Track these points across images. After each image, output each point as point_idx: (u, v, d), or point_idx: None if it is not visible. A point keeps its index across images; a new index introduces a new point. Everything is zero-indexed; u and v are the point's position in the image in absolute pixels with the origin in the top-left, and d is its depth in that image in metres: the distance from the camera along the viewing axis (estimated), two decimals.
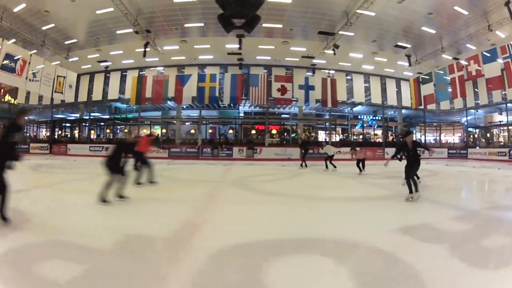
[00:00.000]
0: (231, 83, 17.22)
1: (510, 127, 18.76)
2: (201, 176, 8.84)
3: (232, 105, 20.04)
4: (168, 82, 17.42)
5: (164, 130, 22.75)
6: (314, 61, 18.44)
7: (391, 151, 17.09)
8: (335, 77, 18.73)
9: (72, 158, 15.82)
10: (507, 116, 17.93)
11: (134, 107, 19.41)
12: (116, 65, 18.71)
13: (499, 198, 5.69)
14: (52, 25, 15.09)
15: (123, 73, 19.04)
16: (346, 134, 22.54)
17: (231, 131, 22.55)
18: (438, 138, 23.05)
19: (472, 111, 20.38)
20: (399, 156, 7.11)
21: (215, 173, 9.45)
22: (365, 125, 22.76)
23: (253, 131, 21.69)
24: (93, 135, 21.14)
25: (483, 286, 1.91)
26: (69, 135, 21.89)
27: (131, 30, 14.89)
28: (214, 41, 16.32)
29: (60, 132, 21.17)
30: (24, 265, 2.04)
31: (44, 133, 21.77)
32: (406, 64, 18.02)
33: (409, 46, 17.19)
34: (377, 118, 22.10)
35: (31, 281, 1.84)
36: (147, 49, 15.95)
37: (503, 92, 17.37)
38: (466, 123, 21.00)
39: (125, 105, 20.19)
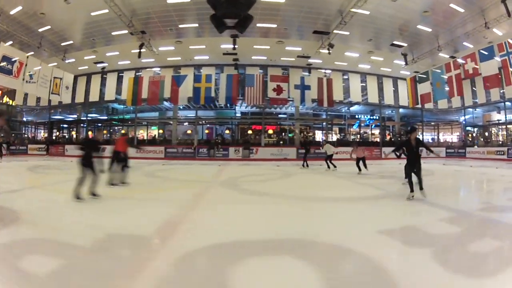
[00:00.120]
0: (226, 83, 17.28)
1: (508, 126, 18.60)
2: (193, 176, 8.86)
3: (228, 105, 20.08)
4: (164, 83, 17.52)
5: (161, 131, 22.85)
6: (310, 60, 18.44)
7: (388, 150, 17.04)
8: (332, 77, 18.72)
9: (69, 159, 15.94)
10: (505, 114, 17.79)
11: (131, 108, 19.50)
12: (113, 66, 18.85)
13: (494, 199, 5.56)
14: (48, 27, 15.26)
15: (120, 74, 19.18)
16: (343, 134, 22.49)
17: (227, 131, 22.59)
18: (436, 137, 22.92)
19: (470, 110, 20.24)
20: (398, 153, 7.12)
21: (208, 173, 9.48)
22: (362, 124, 22.69)
23: (250, 131, 21.69)
24: (91, 136, 21.29)
25: None
26: (67, 136, 22.06)
27: (126, 31, 14.99)
28: (209, 41, 16.39)
29: (58, 133, 21.36)
30: (7, 260, 2.17)
31: (42, 134, 21.97)
32: (403, 63, 17.97)
33: (405, 45, 17.13)
34: (374, 117, 22.03)
35: (12, 274, 1.96)
36: (142, 50, 16.06)
37: (501, 91, 17.25)
38: (464, 122, 20.85)
39: (122, 106, 20.33)
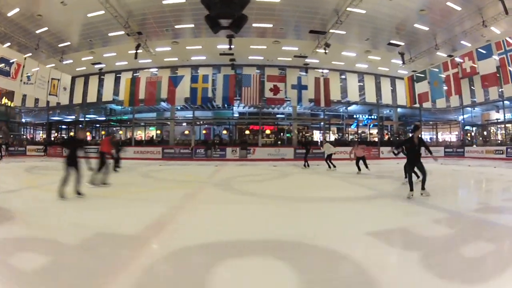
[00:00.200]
0: (223, 83, 17.34)
1: (507, 125, 18.52)
2: (188, 176, 8.89)
3: (226, 105, 20.15)
4: (161, 83, 17.62)
5: (158, 131, 22.95)
6: (307, 60, 18.47)
7: (386, 150, 17.03)
8: (329, 77, 18.73)
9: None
10: (504, 113, 17.71)
11: (129, 109, 19.62)
12: (110, 67, 18.97)
13: (490, 199, 5.38)
14: (45, 28, 15.39)
15: (117, 75, 19.30)
16: (340, 134, 22.49)
17: (225, 131, 22.66)
18: (434, 136, 22.85)
19: (469, 109, 20.16)
20: (395, 151, 7.11)
21: (204, 173, 9.50)
22: (360, 124, 22.68)
23: (247, 132, 21.74)
24: (89, 137, 21.42)
25: None
26: (65, 137, 22.22)
27: (122, 32, 15.09)
28: (206, 42, 16.46)
29: (56, 134, 21.52)
30: None
31: (40, 135, 22.13)
32: (400, 62, 17.97)
33: (402, 44, 17.11)
34: (372, 117, 22.02)
35: (2, 270, 2.06)
36: (139, 51, 16.16)
37: (500, 90, 17.18)
38: (462, 121, 20.78)
39: (120, 107, 20.44)
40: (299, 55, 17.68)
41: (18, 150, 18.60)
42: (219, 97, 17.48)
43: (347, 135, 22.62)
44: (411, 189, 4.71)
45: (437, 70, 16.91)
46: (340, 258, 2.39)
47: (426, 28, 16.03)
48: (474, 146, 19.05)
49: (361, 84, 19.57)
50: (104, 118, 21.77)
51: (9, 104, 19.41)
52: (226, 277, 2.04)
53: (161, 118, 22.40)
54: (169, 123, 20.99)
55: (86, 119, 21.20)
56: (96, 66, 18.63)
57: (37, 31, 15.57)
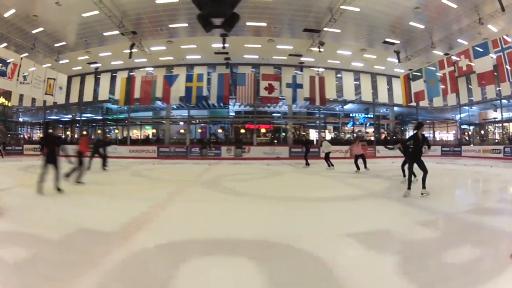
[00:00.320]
0: (218, 82, 17.51)
1: (504, 124, 18.48)
2: (179, 175, 9.00)
3: (221, 104, 20.32)
4: (156, 83, 17.84)
5: (154, 130, 23.19)
6: (302, 59, 18.58)
7: (382, 148, 17.08)
8: (324, 75, 18.84)
9: (63, 159, 16.34)
10: (501, 112, 17.67)
11: (125, 108, 19.87)
12: (106, 66, 19.25)
13: (483, 200, 5.21)
14: (41, 28, 15.69)
15: (113, 74, 19.59)
16: (336, 133, 22.56)
17: (220, 130, 22.83)
18: (431, 135, 22.82)
19: (466, 108, 20.13)
20: (390, 147, 7.18)
21: (195, 172, 9.57)
22: (356, 123, 22.74)
23: (243, 130, 21.89)
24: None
25: None
26: (63, 136, 22.55)
27: (117, 32, 15.31)
28: (200, 41, 16.65)
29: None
30: None
31: (38, 134, 22.49)
32: (396, 60, 17.96)
33: (398, 42, 17.17)
34: (368, 116, 22.06)
35: None
36: (134, 50, 16.40)
37: (497, 88, 17.15)
38: (459, 120, 20.76)
39: (116, 106, 20.71)
40: (294, 54, 17.80)
41: (16, 149, 18.92)
42: (214, 96, 17.66)
43: (343, 134, 22.70)
44: (409, 188, 4.70)
45: (433, 68, 16.94)
46: (310, 259, 2.31)
47: (422, 26, 16.07)
48: (471, 145, 19.02)
49: (357, 82, 19.64)
50: (100, 117, 22.06)
51: (6, 104, 19.77)
52: (190, 275, 2.07)
53: (157, 117, 22.64)
54: (164, 122, 21.21)
55: (83, 118, 21.50)
56: (92, 65, 18.91)
57: (33, 31, 15.87)
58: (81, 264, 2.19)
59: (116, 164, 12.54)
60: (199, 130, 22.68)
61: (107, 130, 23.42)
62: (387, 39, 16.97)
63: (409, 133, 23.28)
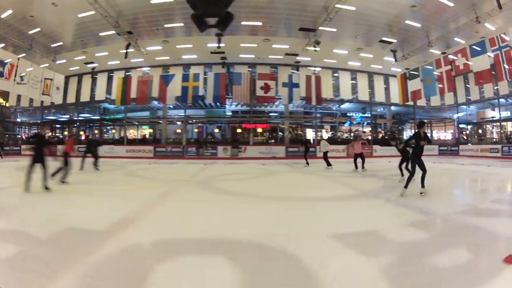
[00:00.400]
0: (214, 82, 17.65)
1: (502, 123, 18.48)
2: (173, 175, 9.10)
3: (218, 104, 20.47)
4: (152, 82, 18.01)
5: (151, 130, 23.38)
6: (299, 58, 18.68)
7: (379, 148, 17.18)
8: (321, 74, 18.93)
9: (60, 159, 16.53)
10: (499, 111, 17.68)
11: (122, 108, 20.07)
12: (103, 66, 19.45)
13: (477, 200, 5.14)
14: (38, 29, 15.88)
15: (110, 74, 19.79)
16: (333, 132, 22.64)
17: (217, 130, 22.98)
18: (429, 135, 22.87)
19: (464, 107, 20.16)
20: (394, 143, 7.23)
21: (190, 172, 9.66)
22: (353, 122, 22.81)
23: (239, 130, 22.02)
24: (83, 136, 21.94)
25: None
26: (60, 136, 22.79)
27: (113, 32, 15.48)
28: (196, 40, 16.79)
29: (50, 133, 22.10)
30: None
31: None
32: (393, 59, 18.01)
33: (394, 41, 17.22)
34: (365, 115, 22.13)
35: None
36: (130, 50, 16.58)
37: (495, 87, 17.16)
38: (457, 119, 20.78)
39: (113, 106, 20.91)
40: (290, 53, 17.90)
41: (13, 150, 19.15)
42: (210, 96, 17.80)
43: (341, 133, 22.79)
44: (406, 187, 4.74)
45: (430, 67, 16.98)
46: (294, 260, 2.29)
47: (418, 25, 16.11)
48: (469, 144, 19.04)
49: (354, 82, 19.71)
50: (98, 117, 22.28)
51: (4, 104, 20.02)
52: (167, 273, 2.12)
53: (154, 117, 22.83)
54: (161, 122, 21.39)
55: (80, 118, 21.73)
56: (89, 65, 19.12)
57: (30, 32, 16.08)
58: (66, 261, 2.28)
59: (112, 164, 12.69)
60: (196, 130, 22.84)
61: (104, 130, 23.65)
62: (383, 38, 17.03)
63: (406, 132, 23.35)
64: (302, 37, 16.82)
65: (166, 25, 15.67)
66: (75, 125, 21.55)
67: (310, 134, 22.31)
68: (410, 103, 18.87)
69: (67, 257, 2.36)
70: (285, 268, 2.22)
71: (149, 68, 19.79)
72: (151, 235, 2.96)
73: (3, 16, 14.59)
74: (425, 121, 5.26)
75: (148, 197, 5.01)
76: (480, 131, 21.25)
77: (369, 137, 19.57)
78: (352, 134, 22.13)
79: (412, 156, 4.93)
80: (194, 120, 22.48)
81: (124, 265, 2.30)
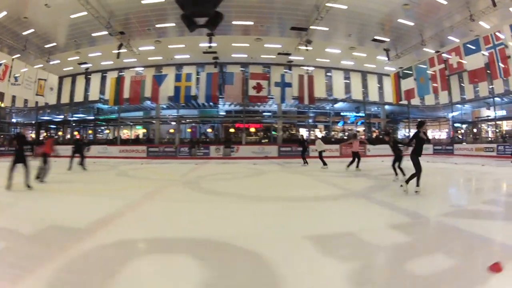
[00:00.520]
0: (206, 82, 17.89)
1: (498, 122, 18.50)
2: (164, 175, 9.22)
3: (211, 104, 20.71)
4: (145, 82, 18.30)
5: (144, 130, 23.68)
6: (291, 58, 18.89)
7: (372, 147, 17.25)
8: (314, 74, 19.11)
9: (53, 159, 16.84)
10: (495, 110, 17.71)
11: (116, 108, 20.38)
12: (96, 66, 19.82)
13: (467, 201, 5.03)
14: (32, 30, 16.27)
15: (104, 74, 20.16)
16: (327, 131, 22.78)
17: (209, 130, 23.22)
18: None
19: (459, 106, 20.21)
20: (387, 138, 7.31)
21: (179, 172, 9.79)
22: (347, 121, 22.93)
23: (232, 130, 22.23)
24: (78, 137, 22.29)
25: None
26: (55, 137, 23.17)
27: (106, 32, 15.81)
28: (188, 40, 17.08)
29: (45, 134, 22.48)
30: None
31: (30, 135, 23.14)
32: (386, 59, 18.13)
33: (387, 40, 17.37)
34: (359, 114, 22.24)
35: None
36: (123, 51, 16.91)
37: (490, 86, 17.18)
38: (452, 118, 20.84)
39: (107, 106, 21.26)
40: (283, 53, 18.11)
41: (8, 150, 19.52)
42: (202, 96, 18.04)
43: (336, 132, 22.93)
44: (407, 182, 4.88)
45: (423, 66, 17.06)
46: (257, 261, 2.28)
47: (411, 23, 16.25)
48: (464, 143, 19.07)
49: (347, 81, 19.86)
50: (92, 117, 22.64)
51: None
52: (134, 271, 2.17)
53: (147, 117, 23.14)
54: (154, 122, 21.68)
55: (75, 118, 22.10)
56: (83, 66, 19.51)
57: (24, 33, 16.50)
58: (45, 256, 2.40)
59: (105, 164, 12.94)
60: (189, 130, 23.10)
61: (99, 130, 23.99)
62: (376, 37, 17.19)
63: (401, 131, 23.42)
64: (294, 37, 17.04)
65: (157, 25, 15.99)
66: (73, 124, 21.93)
67: (303, 133, 22.46)
68: (404, 102, 18.97)
69: (45, 253, 2.47)
70: (250, 270, 2.18)
71: (142, 68, 20.13)
72: (129, 233, 3.03)
73: None
74: (424, 120, 5.33)
75: (134, 197, 5.09)
76: (475, 130, 21.29)
77: (363, 136, 19.63)
78: (346, 133, 22.24)
79: (412, 155, 5.02)
80: (187, 120, 22.74)
81: (97, 262, 2.36)
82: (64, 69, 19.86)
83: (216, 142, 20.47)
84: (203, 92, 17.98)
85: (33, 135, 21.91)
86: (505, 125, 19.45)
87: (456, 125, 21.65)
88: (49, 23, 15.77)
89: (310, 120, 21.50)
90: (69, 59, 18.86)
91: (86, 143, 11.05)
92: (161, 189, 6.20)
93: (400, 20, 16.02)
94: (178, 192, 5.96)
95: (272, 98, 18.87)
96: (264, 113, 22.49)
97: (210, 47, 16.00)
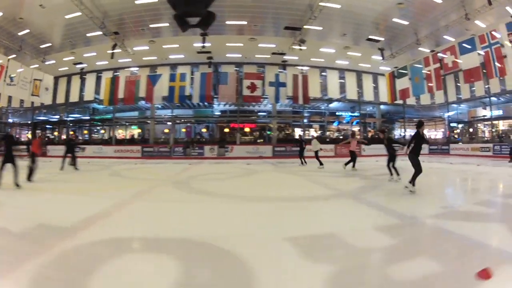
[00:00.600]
0: (200, 81, 18.06)
1: (494, 122, 18.50)
2: (154, 175, 9.32)
3: (206, 104, 20.88)
4: (140, 82, 18.49)
5: (140, 130, 23.88)
6: (286, 57, 19.03)
7: (366, 147, 17.31)
8: (308, 74, 19.21)
9: (48, 159, 17.03)
10: (491, 110, 17.73)
11: (111, 108, 20.60)
12: (92, 66, 20.09)
13: (459, 202, 4.96)
14: (27, 30, 16.53)
15: (99, 75, 20.40)
16: (321, 131, 22.87)
17: (204, 130, 23.37)
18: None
19: (455, 106, 20.24)
20: (381, 135, 7.32)
21: (172, 172, 9.93)
22: (343, 121, 23.02)
23: (227, 130, 22.37)
24: (70, 136, 22.53)
25: None
26: (51, 137, 23.44)
27: (100, 32, 16.03)
28: (182, 40, 17.27)
29: (41, 134, 22.72)
30: None
31: (26, 135, 23.44)
32: (381, 58, 18.20)
33: (382, 39, 17.47)
34: (354, 114, 22.32)
35: None
36: (118, 51, 17.13)
37: (486, 86, 17.20)
38: (448, 118, 20.86)
39: (102, 106, 21.49)
40: (277, 52, 18.24)
41: (0, 150, 19.78)
42: (196, 96, 18.20)
43: (332, 132, 23.03)
44: (412, 183, 4.92)
45: (419, 66, 17.11)
46: (234, 261, 2.29)
47: (406, 23, 16.34)
48: (460, 143, 19.09)
49: (342, 81, 19.97)
50: (88, 117, 22.89)
51: None
52: (112, 270, 2.21)
53: (142, 117, 23.34)
54: (149, 122, 21.87)
55: (70, 118, 22.35)
56: (78, 66, 19.74)
57: (20, 34, 16.78)
58: (30, 253, 2.51)
59: (99, 164, 13.13)
60: (183, 130, 23.27)
61: (95, 130, 24.23)
62: (371, 36, 17.30)
63: (396, 131, 23.45)
64: (288, 36, 17.19)
65: (151, 25, 16.20)
66: (70, 124, 22.16)
67: (300, 133, 22.59)
68: (400, 102, 19.02)
69: (31, 250, 2.57)
70: (226, 270, 2.19)
71: (137, 68, 20.36)
72: (112, 233, 3.08)
73: None
74: (423, 120, 5.43)
75: (123, 196, 5.17)
76: (471, 130, 21.30)
77: (359, 136, 19.71)
78: (342, 133, 22.33)
79: (411, 155, 5.12)
80: (182, 120, 22.92)
81: (77, 260, 2.44)
82: (60, 69, 20.13)
83: (211, 142, 20.61)
84: (197, 92, 18.15)
85: (29, 135, 22.22)
86: (502, 125, 19.45)
87: (452, 124, 21.70)
88: (44, 23, 16.04)
89: (305, 120, 21.61)
90: (64, 59, 19.13)
91: (77, 143, 11.21)
92: (150, 189, 6.27)
93: (394, 20, 16.12)
94: (166, 192, 6.03)
95: (266, 98, 19.00)
96: (259, 113, 22.63)
97: (203, 47, 16.18)
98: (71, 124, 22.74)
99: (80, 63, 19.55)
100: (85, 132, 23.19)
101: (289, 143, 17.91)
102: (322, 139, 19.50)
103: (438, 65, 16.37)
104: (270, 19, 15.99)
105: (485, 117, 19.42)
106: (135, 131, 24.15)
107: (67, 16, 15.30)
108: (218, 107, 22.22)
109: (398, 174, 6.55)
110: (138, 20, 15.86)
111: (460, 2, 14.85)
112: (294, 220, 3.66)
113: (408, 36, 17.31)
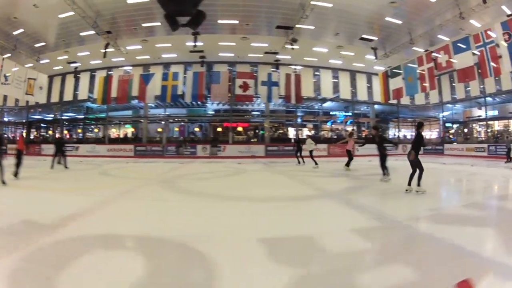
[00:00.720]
0: (193, 81, 18.31)
1: (489, 122, 18.50)
2: (143, 174, 9.52)
3: (199, 103, 21.13)
4: (133, 81, 18.80)
5: (133, 129, 24.18)
6: (279, 56, 19.23)
7: (360, 147, 17.39)
8: (302, 73, 19.38)
9: (43, 158, 17.36)
10: (486, 110, 17.73)
11: (105, 107, 20.93)
12: (86, 65, 20.48)
13: (447, 204, 4.85)
14: (22, 30, 16.93)
15: (93, 73, 20.78)
16: (315, 131, 22.99)
17: (197, 129, 23.61)
18: (413, 133, 22.98)
19: (450, 106, 20.26)
20: (374, 132, 7.45)
21: (160, 171, 10.15)
22: (336, 121, 23.13)
23: (220, 129, 22.59)
24: (68, 136, 22.94)
25: None
26: (46, 135, 23.86)
27: (93, 32, 16.35)
28: (175, 39, 17.56)
29: (36, 132, 23.18)
30: None
31: (22, 134, 23.90)
32: (375, 57, 18.31)
33: (375, 38, 17.59)
34: (348, 114, 22.42)
35: None
36: (111, 50, 17.44)
37: (481, 86, 17.24)
38: (442, 118, 20.88)
39: (96, 105, 21.85)
40: (270, 52, 18.43)
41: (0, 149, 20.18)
42: (189, 95, 18.45)
43: (325, 132, 23.15)
44: (419, 185, 4.94)
45: (413, 65, 17.20)
46: (203, 263, 2.29)
47: (399, 22, 16.44)
48: (455, 143, 19.11)
49: (336, 80, 20.10)
50: (82, 116, 23.27)
51: None
52: (85, 266, 2.28)
53: (135, 116, 23.68)
54: (142, 120, 22.17)
55: (65, 117, 22.74)
56: (72, 65, 20.13)
57: (14, 33, 17.19)
58: (11, 248, 2.62)
59: (90, 163, 13.41)
60: (176, 129, 23.55)
61: (90, 129, 24.60)
62: (364, 36, 17.41)
63: (391, 131, 23.48)
64: (281, 35, 17.38)
65: (144, 25, 16.51)
66: (65, 123, 22.52)
67: (294, 133, 22.74)
68: (394, 101, 19.10)
69: (12, 245, 2.67)
70: (196, 272, 2.17)
71: (130, 67, 20.72)
72: (90, 230, 3.18)
73: None
74: (423, 122, 5.56)
75: (107, 195, 5.28)
76: (466, 130, 21.31)
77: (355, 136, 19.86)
78: (335, 133, 22.44)
79: (416, 155, 5.30)
80: (175, 119, 23.20)
81: (54, 255, 2.52)
82: (54, 68, 20.56)
83: (204, 141, 20.84)
84: (189, 91, 18.40)
85: (24, 134, 22.63)
86: (497, 125, 19.45)
87: (447, 125, 21.72)
88: (38, 23, 16.43)
89: (299, 120, 21.75)
90: (58, 58, 19.54)
91: (66, 142, 11.49)
92: (136, 188, 6.36)
93: (387, 19, 16.25)
94: (153, 191, 6.15)
95: (258, 97, 19.19)
96: (253, 112, 22.83)
97: (195, 46, 16.42)
98: (65, 123, 23.13)
99: (74, 62, 19.94)
100: (79, 131, 23.58)
101: (284, 142, 18.06)
102: (315, 139, 19.69)
103: (432, 64, 16.45)
104: (262, 18, 16.21)
105: (480, 118, 19.45)
106: (129, 130, 24.48)
107: (60, 16, 15.67)
108: (211, 106, 22.50)
109: (388, 174, 6.61)
110: (130, 19, 16.19)
111: (455, 1, 14.93)
112: (272, 220, 3.60)
113: (401, 36, 17.43)
